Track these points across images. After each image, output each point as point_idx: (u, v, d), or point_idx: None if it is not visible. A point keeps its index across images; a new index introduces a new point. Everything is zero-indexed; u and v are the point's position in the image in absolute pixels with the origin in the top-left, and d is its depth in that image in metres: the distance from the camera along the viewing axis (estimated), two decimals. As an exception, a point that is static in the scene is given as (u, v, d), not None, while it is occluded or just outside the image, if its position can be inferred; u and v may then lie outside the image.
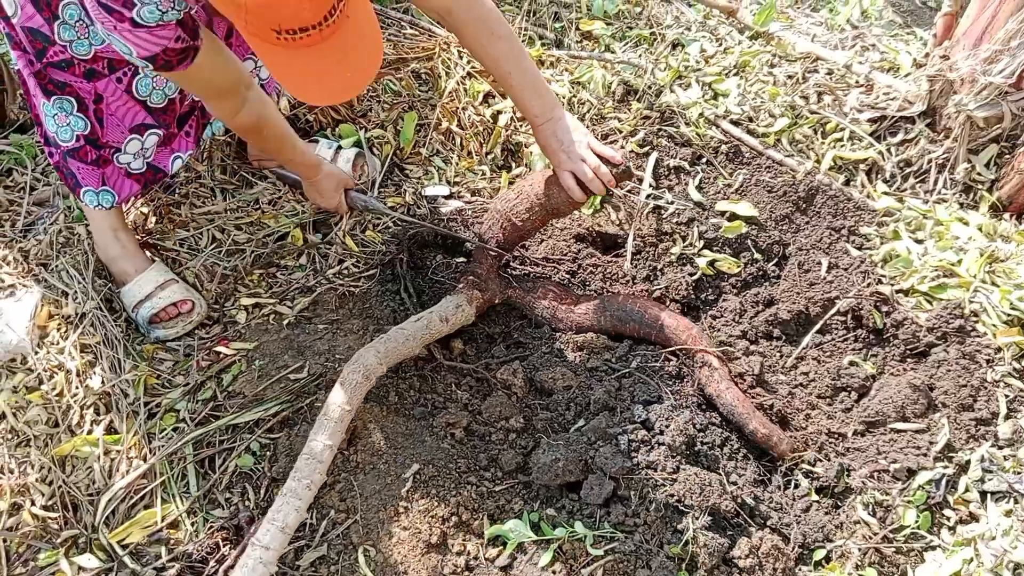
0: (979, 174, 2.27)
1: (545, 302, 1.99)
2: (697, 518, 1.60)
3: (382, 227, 2.18)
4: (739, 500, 1.68)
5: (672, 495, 1.62)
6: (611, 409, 1.78)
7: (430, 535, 1.63)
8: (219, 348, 1.93)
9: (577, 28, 2.80)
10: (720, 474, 1.69)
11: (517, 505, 1.69)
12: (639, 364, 1.88)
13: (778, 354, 2.05)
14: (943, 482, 1.77)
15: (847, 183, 2.31)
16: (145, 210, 2.18)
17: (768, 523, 1.69)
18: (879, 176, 2.33)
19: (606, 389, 1.81)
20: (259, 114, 1.78)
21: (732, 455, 1.78)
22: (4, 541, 1.63)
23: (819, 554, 1.66)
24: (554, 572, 1.58)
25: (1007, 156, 2.24)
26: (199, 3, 1.53)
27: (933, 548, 1.71)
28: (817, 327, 2.03)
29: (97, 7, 1.36)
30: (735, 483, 1.70)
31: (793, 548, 1.66)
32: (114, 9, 1.35)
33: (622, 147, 2.28)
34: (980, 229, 2.17)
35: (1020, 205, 2.22)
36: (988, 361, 1.93)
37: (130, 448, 1.73)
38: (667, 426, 1.72)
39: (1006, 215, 2.23)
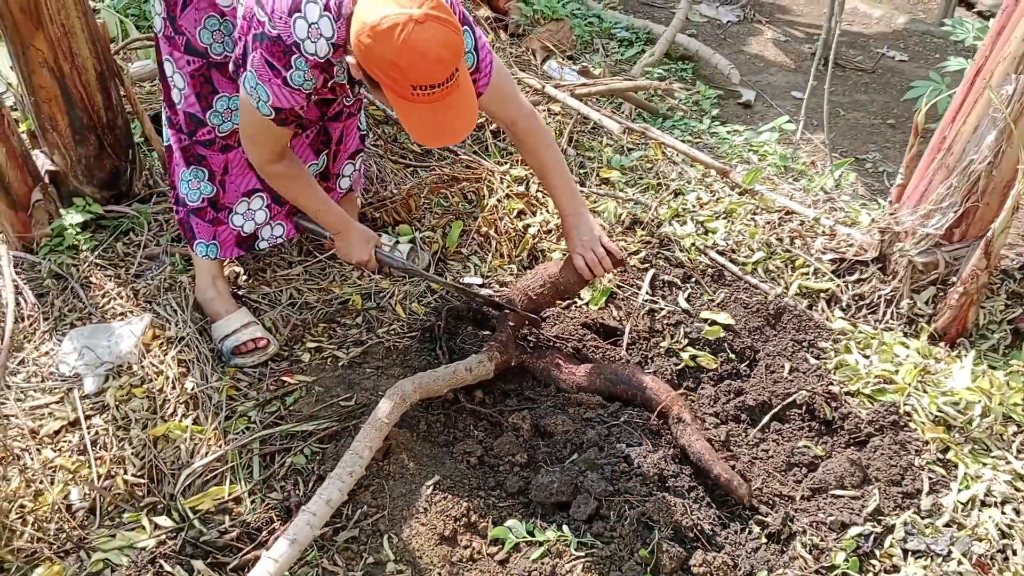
0: (920, 309, 2.74)
1: (552, 365, 2.43)
2: (662, 531, 1.96)
3: (426, 301, 2.66)
4: (699, 527, 2.04)
5: (644, 513, 2.00)
6: (600, 447, 2.18)
7: (443, 530, 2.00)
8: (285, 377, 2.37)
9: (597, 175, 3.39)
10: (685, 502, 2.06)
11: (517, 518, 2.06)
12: (626, 419, 2.29)
13: (743, 434, 2.45)
14: (871, 537, 2.12)
15: (810, 307, 2.79)
16: (239, 269, 2.68)
17: (723, 551, 2.04)
18: (837, 305, 2.81)
19: (597, 433, 2.22)
20: (285, 172, 2.19)
21: (697, 500, 2.15)
22: (100, 498, 2.01)
23: (761, 575, 2.00)
24: (543, 564, 1.93)
25: (942, 295, 2.72)
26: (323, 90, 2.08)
27: (860, 588, 2.04)
28: (775, 410, 2.43)
29: (263, 64, 1.89)
30: (696, 514, 2.07)
31: (741, 571, 2.00)
32: (276, 68, 1.89)
33: (624, 248, 2.80)
34: (918, 352, 2.61)
35: (952, 336, 2.68)
36: (917, 451, 2.33)
37: (210, 438, 2.14)
38: (644, 461, 2.12)
39: (941, 344, 2.68)
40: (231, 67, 2.07)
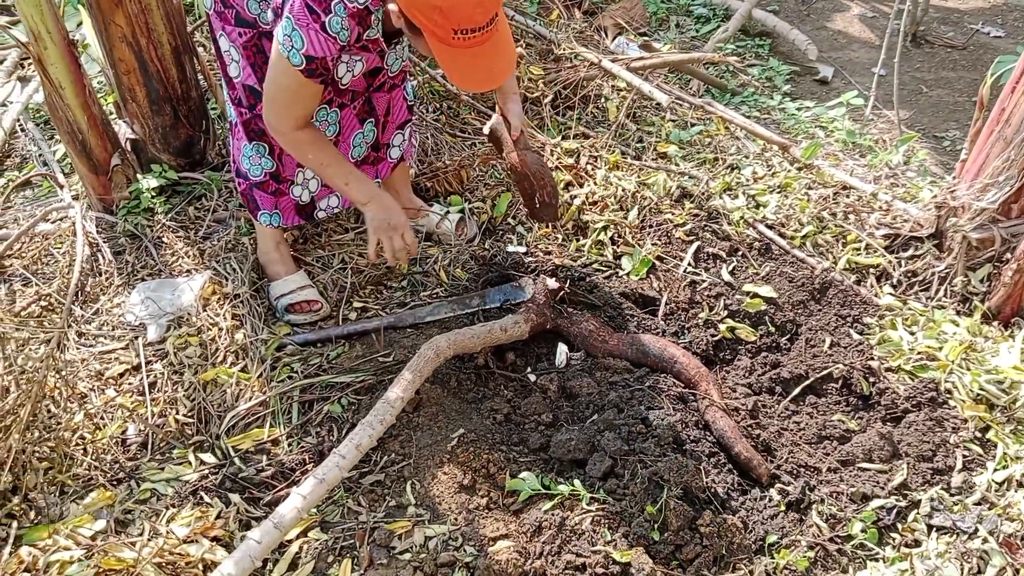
0: (974, 287, 2.66)
1: (584, 331, 2.48)
2: (672, 490, 2.00)
3: (469, 267, 2.76)
4: (712, 490, 2.07)
5: (655, 472, 2.04)
6: (620, 409, 2.23)
7: (463, 479, 2.09)
8: (330, 334, 2.51)
9: (655, 149, 3.40)
10: (700, 464, 2.09)
11: (536, 472, 2.14)
12: (650, 384, 2.33)
13: (775, 405, 2.44)
14: (893, 510, 2.10)
15: (858, 282, 2.74)
16: (296, 233, 2.84)
17: (736, 515, 2.06)
18: (887, 281, 2.75)
19: (619, 395, 2.27)
20: (310, 139, 2.22)
21: (718, 465, 2.18)
22: (153, 435, 2.20)
23: (771, 539, 2.01)
24: (553, 515, 2.00)
25: (997, 273, 2.62)
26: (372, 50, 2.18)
27: (877, 559, 2.03)
28: (808, 382, 2.42)
29: (303, 8, 1.96)
30: (711, 477, 2.10)
31: (752, 534, 2.02)
32: (315, 11, 1.96)
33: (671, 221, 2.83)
34: (967, 330, 2.54)
35: (1007, 315, 2.59)
36: (954, 428, 2.28)
37: (255, 384, 2.30)
38: (662, 423, 2.15)
39: (995, 323, 2.59)
40: (270, 16, 2.17)
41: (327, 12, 1.96)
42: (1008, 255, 2.60)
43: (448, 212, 2.96)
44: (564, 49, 3.57)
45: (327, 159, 2.26)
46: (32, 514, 1.94)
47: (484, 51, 1.92)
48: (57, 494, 2.03)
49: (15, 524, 1.89)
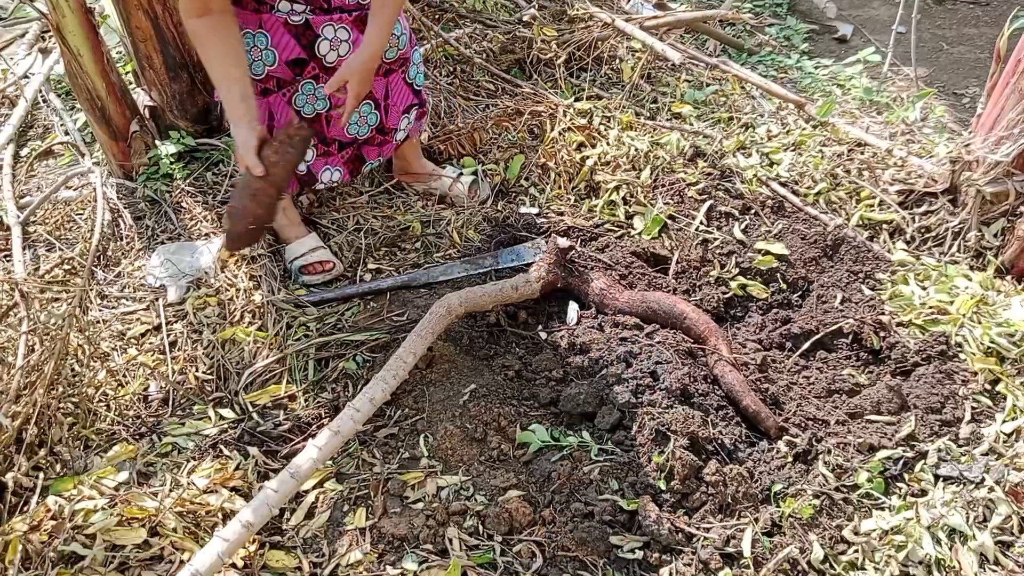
0: (988, 242, 2.64)
1: (595, 289, 2.51)
2: (678, 440, 2.03)
3: (482, 228, 2.79)
4: (719, 441, 2.10)
5: (662, 423, 2.07)
6: (628, 364, 2.26)
7: (475, 433, 2.14)
8: (345, 294, 2.56)
9: (669, 109, 3.40)
10: (708, 416, 2.12)
11: (545, 425, 2.18)
12: (659, 340, 2.35)
13: (784, 360, 2.46)
14: (900, 461, 2.12)
15: (871, 239, 2.73)
16: (312, 196, 2.88)
17: (743, 466, 2.09)
18: (900, 237, 2.74)
19: (628, 350, 2.29)
20: (201, 32, 2.12)
21: (726, 418, 2.20)
22: (173, 391, 2.27)
23: (777, 488, 2.04)
24: (562, 466, 2.04)
25: (1011, 227, 2.61)
26: None
27: (882, 508, 2.05)
28: (817, 336, 2.43)
29: None
30: (717, 428, 2.12)
31: (758, 483, 2.05)
32: None
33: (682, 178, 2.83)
34: (980, 284, 2.53)
35: (1021, 269, 2.57)
36: (963, 381, 2.28)
37: (271, 342, 2.36)
38: (669, 376, 2.18)
39: (1008, 277, 2.58)
40: None
41: None
42: (1022, 208, 2.58)
43: (461, 174, 2.99)
44: (577, 10, 3.56)
45: (208, 60, 2.18)
46: (58, 466, 2.01)
47: None
48: (82, 448, 2.10)
49: (42, 476, 1.96)
